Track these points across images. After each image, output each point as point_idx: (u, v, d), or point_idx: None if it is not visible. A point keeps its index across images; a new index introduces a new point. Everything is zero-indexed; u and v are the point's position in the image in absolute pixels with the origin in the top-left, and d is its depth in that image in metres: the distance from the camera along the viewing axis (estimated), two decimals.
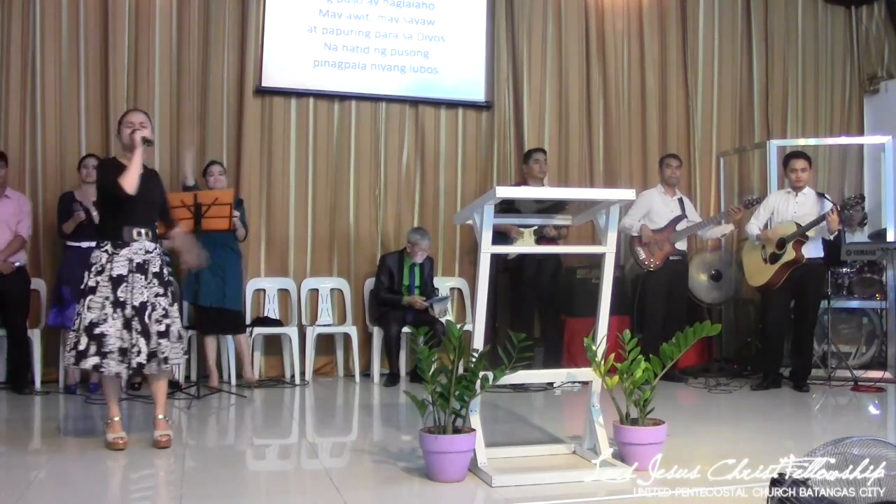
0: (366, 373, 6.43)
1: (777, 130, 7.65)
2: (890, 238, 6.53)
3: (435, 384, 3.45)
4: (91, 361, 3.93)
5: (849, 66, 7.96)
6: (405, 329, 6.23)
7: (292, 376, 6.22)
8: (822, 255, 5.93)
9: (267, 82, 6.53)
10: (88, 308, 3.95)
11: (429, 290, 6.40)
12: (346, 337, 6.46)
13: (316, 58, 6.65)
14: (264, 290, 6.41)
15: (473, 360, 3.50)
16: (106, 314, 3.94)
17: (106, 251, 4.02)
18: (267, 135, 6.55)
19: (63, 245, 5.74)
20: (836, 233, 5.83)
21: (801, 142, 7.15)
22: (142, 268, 4.02)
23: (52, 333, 5.81)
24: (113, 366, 3.93)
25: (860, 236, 6.95)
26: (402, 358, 6.38)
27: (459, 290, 6.90)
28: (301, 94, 6.63)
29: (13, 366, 5.67)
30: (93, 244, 5.74)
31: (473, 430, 3.53)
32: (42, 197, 6.07)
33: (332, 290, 6.61)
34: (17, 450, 4.12)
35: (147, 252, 4.06)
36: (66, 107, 6.15)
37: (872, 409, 5.39)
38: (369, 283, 6.62)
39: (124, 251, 4.00)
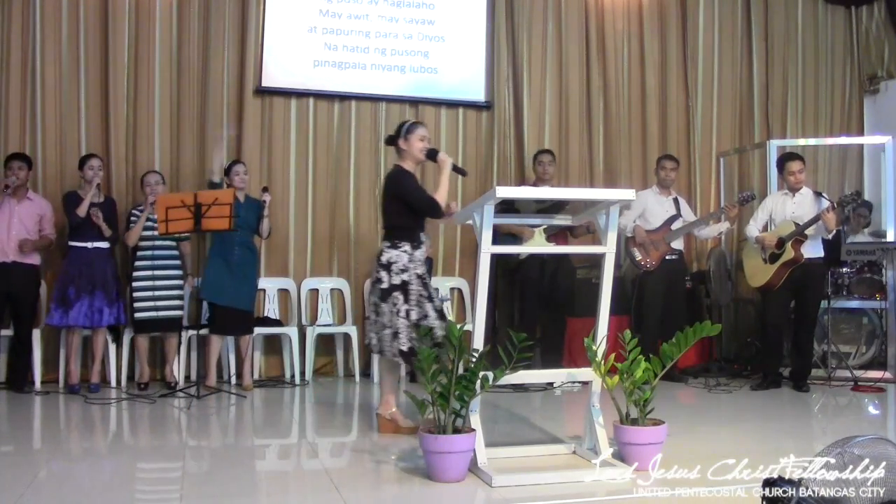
0: (366, 373, 6.43)
1: (777, 130, 7.65)
2: (890, 238, 6.52)
3: (435, 384, 3.45)
4: None
5: (849, 66, 7.95)
6: None
7: (292, 376, 6.22)
8: (821, 254, 5.93)
9: (267, 82, 6.53)
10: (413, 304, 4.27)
11: None
12: (346, 337, 6.46)
13: (316, 58, 6.65)
14: (264, 290, 6.40)
15: (473, 360, 3.50)
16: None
17: (405, 251, 4.33)
18: (267, 135, 6.55)
19: (66, 245, 5.72)
20: (835, 232, 5.83)
21: (801, 142, 7.14)
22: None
23: (53, 333, 5.81)
24: None
25: (862, 237, 6.94)
26: None
27: (459, 290, 6.90)
28: (301, 94, 6.63)
29: (13, 365, 5.67)
30: (98, 244, 5.75)
31: (473, 430, 3.53)
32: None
33: (332, 290, 6.61)
34: (17, 450, 4.13)
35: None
36: (66, 107, 6.15)
37: (872, 409, 5.39)
38: (369, 284, 6.60)
39: (418, 252, 4.36)
